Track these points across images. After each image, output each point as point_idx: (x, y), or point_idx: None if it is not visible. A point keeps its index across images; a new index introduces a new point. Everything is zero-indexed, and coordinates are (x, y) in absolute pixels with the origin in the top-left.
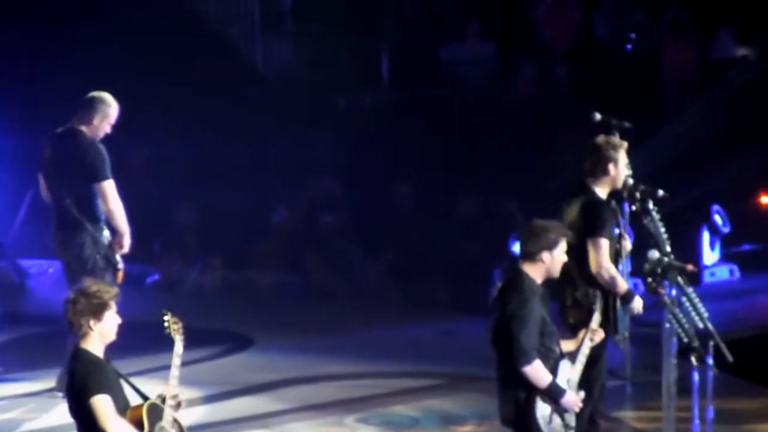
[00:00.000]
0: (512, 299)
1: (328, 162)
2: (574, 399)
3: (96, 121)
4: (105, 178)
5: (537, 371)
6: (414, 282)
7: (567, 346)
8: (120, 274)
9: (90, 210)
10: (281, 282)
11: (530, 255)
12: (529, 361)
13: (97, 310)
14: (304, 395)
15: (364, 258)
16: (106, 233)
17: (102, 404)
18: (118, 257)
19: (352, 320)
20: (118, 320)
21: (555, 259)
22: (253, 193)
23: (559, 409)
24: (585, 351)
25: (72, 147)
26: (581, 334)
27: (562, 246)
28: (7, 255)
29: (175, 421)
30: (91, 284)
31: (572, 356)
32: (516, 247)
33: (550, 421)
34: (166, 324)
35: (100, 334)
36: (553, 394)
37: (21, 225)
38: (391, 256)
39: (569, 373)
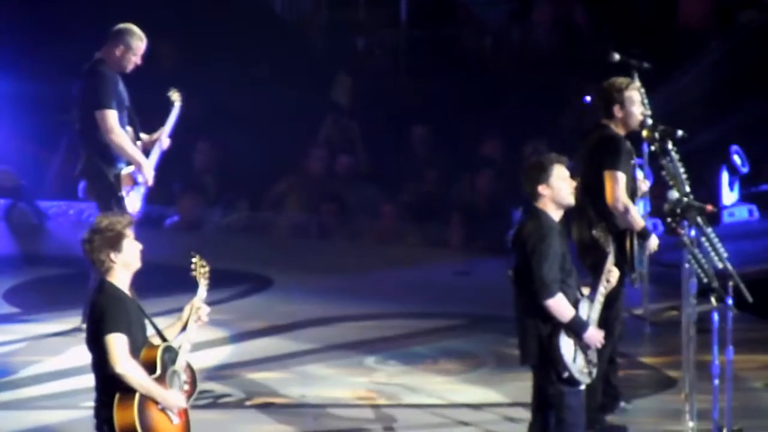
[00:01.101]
0: (531, 236)
1: (345, 103)
2: (596, 334)
3: (118, 52)
4: (104, 106)
5: (559, 304)
6: (431, 223)
7: (583, 290)
8: (129, 206)
9: (96, 141)
10: (300, 222)
11: (531, 194)
12: (551, 294)
13: (114, 242)
14: (323, 336)
15: (382, 199)
16: (121, 165)
17: (115, 342)
18: (123, 189)
19: (370, 261)
20: (138, 246)
21: (554, 187)
22: (270, 135)
23: (582, 345)
24: (602, 291)
25: (87, 77)
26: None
27: (557, 173)
28: (25, 196)
29: (189, 366)
30: (101, 219)
31: (590, 297)
32: None
33: (575, 357)
34: (192, 266)
35: (124, 265)
36: (576, 328)
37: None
38: (409, 197)
39: (588, 312)
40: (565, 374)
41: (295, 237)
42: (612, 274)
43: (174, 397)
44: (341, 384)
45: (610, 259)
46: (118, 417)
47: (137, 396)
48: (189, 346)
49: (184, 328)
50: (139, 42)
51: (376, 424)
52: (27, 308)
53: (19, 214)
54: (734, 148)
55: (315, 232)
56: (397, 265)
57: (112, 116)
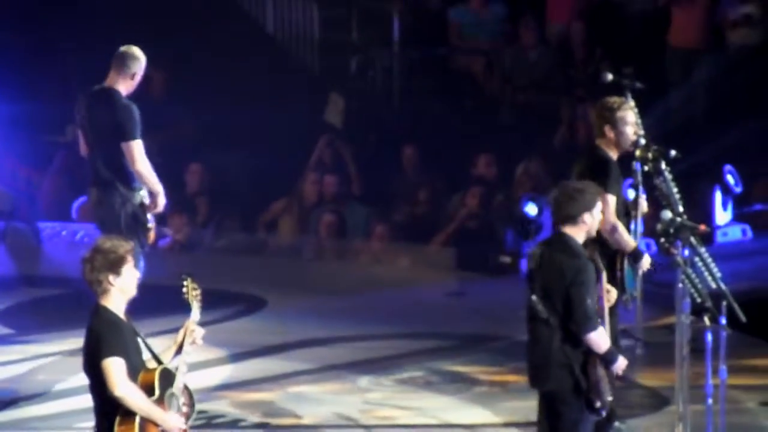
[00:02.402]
0: (568, 263)
1: (338, 123)
2: (623, 363)
3: (132, 77)
4: (132, 138)
5: (601, 337)
6: (423, 244)
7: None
8: (151, 235)
9: (119, 169)
10: (293, 243)
11: (571, 218)
12: (595, 328)
13: (114, 265)
14: (317, 356)
15: (375, 220)
16: (142, 193)
17: (113, 367)
18: (149, 217)
19: (363, 282)
20: (137, 274)
21: (595, 218)
22: (264, 156)
23: (609, 374)
24: (606, 313)
25: (105, 106)
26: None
27: (599, 205)
28: (23, 217)
29: (186, 388)
30: (104, 240)
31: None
32: (530, 209)
33: (604, 384)
34: (184, 289)
35: (121, 290)
36: (610, 359)
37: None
38: (401, 218)
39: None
40: (598, 404)
41: (288, 258)
42: (610, 294)
43: (173, 419)
44: (335, 404)
45: (604, 278)
46: None
47: (137, 419)
48: (185, 368)
49: (179, 350)
50: (144, 65)
51: None
52: (22, 329)
53: (16, 234)
54: (727, 167)
55: (308, 253)
56: (390, 286)
57: (139, 147)
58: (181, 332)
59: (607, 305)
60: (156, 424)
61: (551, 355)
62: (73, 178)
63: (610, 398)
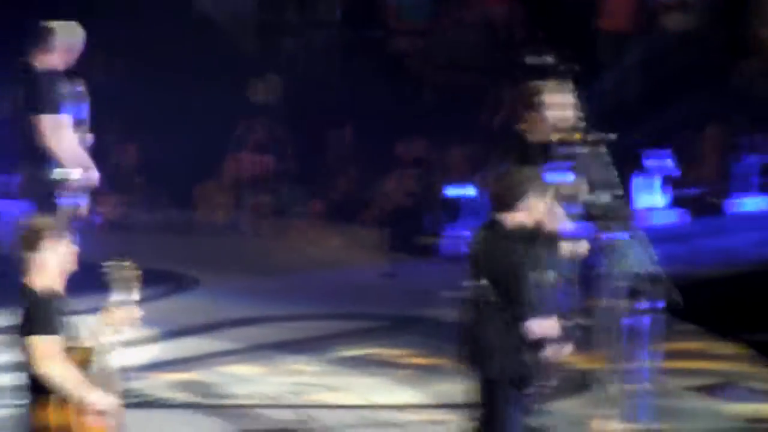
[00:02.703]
0: (510, 251)
1: (271, 103)
2: (567, 348)
3: (51, 53)
4: (47, 112)
5: (543, 324)
6: (354, 224)
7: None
8: (80, 211)
9: (35, 145)
10: (226, 223)
11: (507, 206)
12: (540, 314)
13: (34, 243)
14: (247, 336)
15: (308, 200)
16: (59, 170)
17: (42, 343)
18: (77, 194)
19: (295, 262)
20: (63, 251)
21: (539, 205)
22: (198, 135)
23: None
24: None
25: (25, 81)
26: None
27: (547, 193)
28: None
29: (117, 367)
30: (26, 220)
31: None
32: (460, 191)
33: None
34: (116, 269)
35: (45, 268)
36: (553, 344)
37: None
38: (334, 197)
39: None
40: (541, 389)
41: (221, 237)
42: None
43: (104, 398)
44: (265, 384)
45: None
46: (50, 417)
47: (67, 397)
48: (116, 348)
49: (110, 329)
50: (71, 39)
51: (300, 425)
52: None
53: None
54: (664, 151)
55: (241, 232)
56: (322, 266)
57: (54, 121)
58: (113, 311)
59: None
60: (87, 402)
61: (492, 340)
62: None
63: (549, 383)
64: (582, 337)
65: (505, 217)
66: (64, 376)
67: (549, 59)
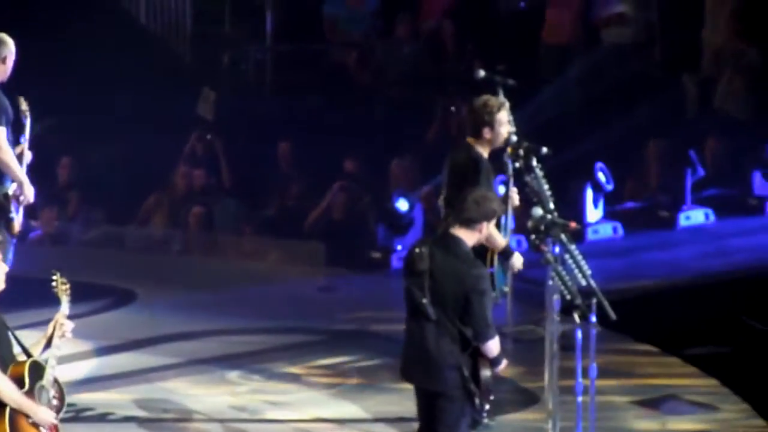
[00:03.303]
0: (466, 271)
1: (210, 117)
2: (505, 363)
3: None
4: None
5: (497, 343)
6: (293, 239)
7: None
8: (13, 225)
9: None
10: (162, 237)
11: (469, 222)
12: (493, 336)
13: None
14: (186, 350)
15: (245, 214)
16: (8, 185)
17: None
18: (12, 208)
19: (233, 276)
20: (4, 268)
21: (488, 231)
22: (134, 149)
23: (494, 375)
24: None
25: None
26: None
27: (494, 221)
28: None
29: (56, 381)
30: None
31: None
32: (400, 204)
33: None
34: (54, 284)
35: None
36: (498, 362)
37: None
38: (271, 213)
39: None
40: (486, 405)
41: (157, 252)
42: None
43: (43, 411)
44: (203, 398)
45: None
46: None
47: (8, 410)
48: (55, 362)
49: (48, 343)
50: (10, 50)
51: None
52: None
53: None
54: (599, 165)
55: (178, 247)
56: (260, 281)
57: (3, 135)
58: (51, 325)
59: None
60: (27, 416)
61: (440, 356)
62: None
63: (491, 397)
64: (520, 351)
65: (461, 234)
66: (8, 387)
67: (490, 74)
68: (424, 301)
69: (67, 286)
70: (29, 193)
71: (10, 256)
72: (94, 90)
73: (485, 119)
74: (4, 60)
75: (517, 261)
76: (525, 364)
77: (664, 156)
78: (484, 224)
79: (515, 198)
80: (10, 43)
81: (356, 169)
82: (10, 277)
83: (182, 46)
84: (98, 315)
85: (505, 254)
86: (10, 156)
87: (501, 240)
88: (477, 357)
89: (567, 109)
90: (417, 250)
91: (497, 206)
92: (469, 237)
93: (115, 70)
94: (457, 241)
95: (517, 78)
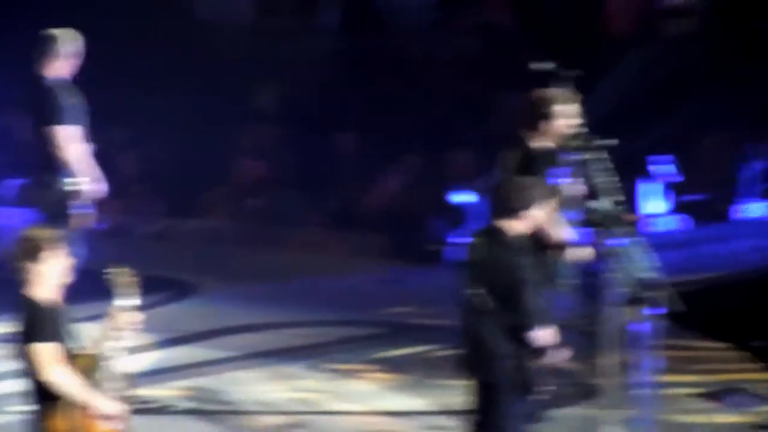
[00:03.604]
0: (513, 261)
1: (270, 110)
2: (564, 354)
3: (61, 60)
4: (58, 122)
5: (546, 333)
6: (355, 230)
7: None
8: (83, 220)
9: (51, 155)
10: (222, 229)
11: (512, 211)
12: (540, 324)
13: (33, 253)
14: (247, 342)
15: (307, 206)
16: (74, 179)
17: (45, 351)
18: (81, 203)
19: (295, 269)
20: (62, 262)
21: (541, 214)
22: (194, 142)
23: (547, 366)
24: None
25: (37, 91)
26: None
27: (549, 203)
28: None
29: (119, 374)
30: (26, 230)
31: None
32: (459, 197)
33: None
34: (115, 276)
35: (44, 277)
36: (550, 353)
37: None
38: (333, 205)
39: None
40: (536, 395)
41: (219, 244)
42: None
43: (108, 404)
44: (266, 390)
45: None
46: (53, 425)
47: (72, 404)
48: (118, 354)
49: (113, 336)
50: (72, 46)
51: (302, 431)
52: None
53: None
54: (665, 156)
55: (240, 239)
56: (322, 273)
57: (65, 132)
58: (115, 318)
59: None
60: (91, 409)
61: (493, 347)
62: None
63: (548, 388)
64: (584, 344)
65: (506, 225)
66: (67, 382)
67: (552, 65)
68: (474, 291)
69: (130, 278)
70: (97, 189)
71: (76, 250)
72: (155, 84)
73: (542, 111)
74: (73, 56)
75: (584, 252)
76: (588, 357)
77: (723, 148)
78: (530, 212)
79: (575, 190)
80: (79, 39)
81: (416, 161)
82: (75, 270)
83: (243, 39)
84: (160, 307)
85: (560, 247)
86: (71, 153)
87: (559, 232)
88: (527, 347)
89: (628, 100)
90: (468, 241)
91: (538, 193)
92: (514, 226)
93: (176, 64)
94: (502, 231)
95: (578, 70)
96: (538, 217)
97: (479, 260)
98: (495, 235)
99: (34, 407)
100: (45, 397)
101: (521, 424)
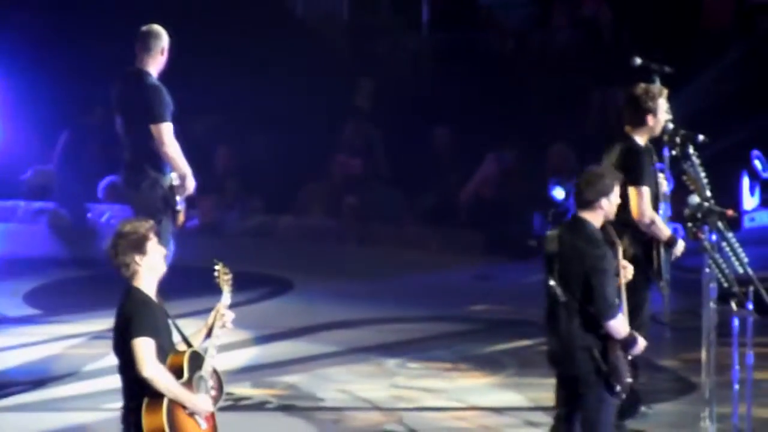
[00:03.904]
0: (589, 251)
1: (366, 107)
2: (642, 345)
3: (160, 57)
4: (161, 120)
5: (621, 323)
6: (452, 226)
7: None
8: (180, 217)
9: (150, 152)
10: (319, 226)
11: (589, 203)
12: (615, 315)
13: (138, 245)
14: (343, 339)
15: (402, 203)
16: (172, 175)
17: (142, 346)
18: (178, 199)
19: (390, 265)
20: (163, 251)
21: (612, 203)
22: (291, 138)
23: (626, 357)
24: (622, 290)
25: (136, 88)
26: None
27: (617, 190)
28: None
29: (215, 371)
30: (124, 224)
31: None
32: (557, 192)
33: (624, 369)
34: (216, 273)
35: (149, 268)
36: (629, 343)
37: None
38: (430, 201)
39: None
40: (618, 387)
41: (314, 241)
42: (626, 270)
43: (202, 401)
44: (361, 387)
45: (620, 254)
46: (146, 422)
47: (165, 401)
48: (215, 352)
49: (209, 333)
50: (167, 41)
51: (397, 427)
52: (49, 310)
53: (57, 215)
54: (755, 152)
55: (335, 236)
56: (418, 269)
57: (168, 129)
58: (212, 315)
59: (623, 281)
60: (184, 407)
61: (572, 339)
62: (102, 159)
63: (629, 380)
64: (679, 340)
65: (584, 216)
66: (162, 378)
67: (647, 61)
68: (553, 283)
69: (230, 276)
70: (191, 186)
71: (171, 246)
72: (251, 81)
73: (648, 106)
74: (162, 52)
75: (679, 248)
76: (682, 352)
77: None
78: (603, 200)
79: (664, 185)
80: (166, 35)
81: (513, 157)
82: (170, 267)
83: (339, 35)
84: (255, 304)
85: (671, 243)
86: (175, 149)
87: (666, 230)
88: (608, 339)
89: (724, 95)
90: (548, 234)
91: (610, 179)
92: (593, 217)
93: (272, 61)
94: (582, 223)
95: (672, 65)
96: (611, 205)
97: (559, 252)
98: (575, 226)
99: (129, 403)
100: (139, 392)
101: (607, 418)
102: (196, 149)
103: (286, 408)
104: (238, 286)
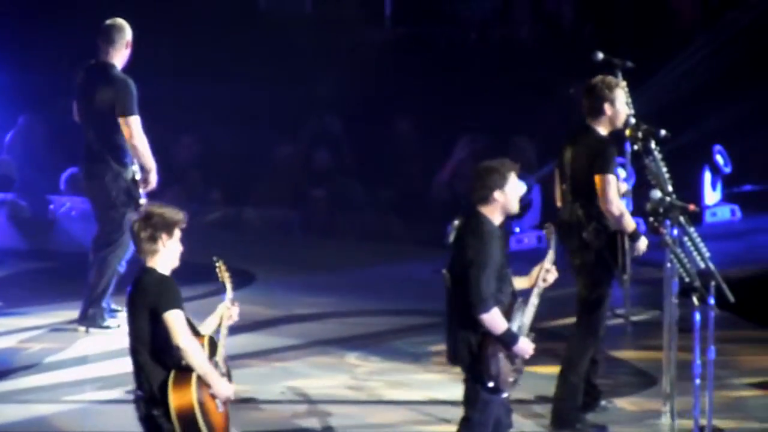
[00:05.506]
0: (471, 243)
1: (329, 100)
2: (526, 346)
3: (125, 50)
4: (131, 113)
5: (494, 319)
6: (414, 220)
7: (520, 283)
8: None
9: (112, 144)
10: (282, 218)
11: (482, 198)
12: (487, 309)
13: (170, 227)
14: (305, 331)
15: (365, 195)
16: (134, 168)
17: (175, 318)
18: (141, 192)
19: (352, 257)
20: (181, 249)
21: (508, 195)
22: (254, 131)
23: (511, 355)
24: (537, 293)
25: (102, 80)
26: (534, 272)
27: (513, 180)
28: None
29: (225, 360)
30: (161, 205)
31: (524, 302)
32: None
33: (501, 368)
34: (217, 270)
35: (169, 252)
36: (507, 340)
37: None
38: (392, 193)
39: (521, 318)
40: (490, 383)
41: (276, 233)
42: (549, 273)
43: (225, 385)
44: (322, 379)
45: (549, 256)
46: (174, 398)
47: (194, 376)
48: (225, 342)
49: (219, 325)
50: (131, 33)
51: (357, 420)
52: (11, 302)
53: (16, 207)
54: (717, 147)
55: (297, 228)
56: (380, 262)
57: (137, 122)
58: (220, 308)
59: (543, 285)
60: (208, 386)
61: (454, 331)
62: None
63: (511, 380)
64: (635, 334)
65: (482, 210)
66: (197, 352)
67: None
68: (444, 272)
69: (228, 273)
70: (154, 181)
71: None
72: (213, 72)
73: (605, 95)
74: (126, 45)
75: (642, 244)
76: (642, 346)
77: None
78: (496, 193)
79: (622, 187)
80: (129, 29)
81: (475, 150)
82: (132, 260)
83: (301, 28)
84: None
85: (634, 237)
86: (144, 143)
87: (632, 223)
88: (485, 334)
89: (685, 90)
90: (453, 225)
91: (503, 171)
92: (489, 210)
93: (235, 54)
94: (476, 216)
95: (636, 60)
96: (507, 197)
97: (455, 244)
98: (467, 219)
99: (146, 387)
100: (163, 372)
101: (481, 418)
102: (156, 141)
103: (246, 400)
104: (199, 277)
